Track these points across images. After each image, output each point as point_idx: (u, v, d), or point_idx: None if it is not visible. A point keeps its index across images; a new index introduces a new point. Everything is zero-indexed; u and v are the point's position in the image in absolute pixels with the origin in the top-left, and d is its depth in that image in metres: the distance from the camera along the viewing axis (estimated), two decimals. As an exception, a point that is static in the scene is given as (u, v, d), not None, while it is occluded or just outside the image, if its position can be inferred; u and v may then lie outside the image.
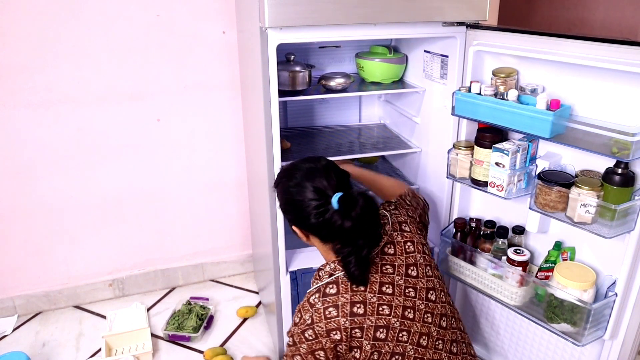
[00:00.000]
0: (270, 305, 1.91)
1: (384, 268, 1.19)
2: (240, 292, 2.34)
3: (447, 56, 1.63)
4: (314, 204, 1.15)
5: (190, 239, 2.33)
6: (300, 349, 1.15)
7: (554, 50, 1.29)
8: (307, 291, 1.22)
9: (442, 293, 1.26)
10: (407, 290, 1.18)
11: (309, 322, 1.14)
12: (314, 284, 1.22)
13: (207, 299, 2.24)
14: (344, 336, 1.12)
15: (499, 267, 1.50)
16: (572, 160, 1.39)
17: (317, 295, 1.17)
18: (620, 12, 2.10)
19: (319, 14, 1.37)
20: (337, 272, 1.18)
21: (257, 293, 2.32)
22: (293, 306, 1.74)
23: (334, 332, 1.12)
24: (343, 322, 1.12)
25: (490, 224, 1.59)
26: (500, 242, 1.54)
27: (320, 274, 1.22)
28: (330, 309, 1.13)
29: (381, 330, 1.14)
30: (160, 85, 2.04)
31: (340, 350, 1.14)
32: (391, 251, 1.22)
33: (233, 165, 2.26)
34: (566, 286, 1.33)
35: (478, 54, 1.51)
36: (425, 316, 1.19)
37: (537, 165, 1.41)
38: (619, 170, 1.22)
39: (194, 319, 2.04)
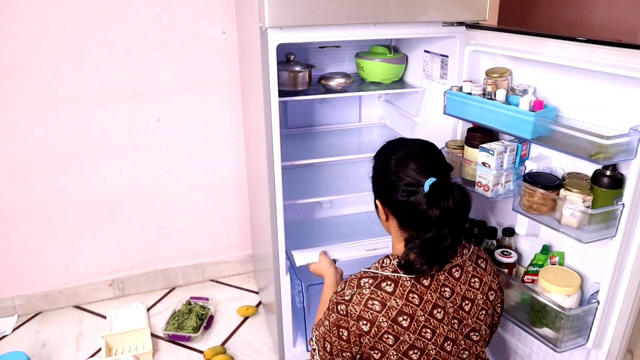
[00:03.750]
0: (270, 305, 1.91)
1: (442, 289, 1.12)
2: (240, 292, 2.34)
3: (447, 56, 1.64)
4: (407, 180, 1.10)
5: (190, 239, 2.33)
6: (330, 317, 1.13)
7: (544, 50, 1.28)
8: (364, 268, 1.16)
9: (483, 341, 1.20)
10: (453, 321, 1.13)
11: (347, 298, 1.10)
12: (374, 267, 1.15)
13: (207, 299, 2.24)
14: (373, 332, 1.07)
15: None
16: (561, 163, 1.37)
17: (370, 281, 1.10)
18: (621, 13, 2.10)
19: (319, 14, 1.37)
20: (402, 272, 1.12)
21: (257, 293, 2.32)
22: (293, 306, 1.74)
23: (365, 323, 1.08)
24: (381, 321, 1.07)
25: (481, 224, 1.59)
26: (489, 243, 1.53)
27: (385, 262, 1.15)
28: (376, 302, 1.07)
29: (415, 351, 1.08)
30: (160, 85, 2.04)
31: (363, 342, 1.10)
32: (457, 275, 1.15)
33: (233, 165, 2.26)
34: (550, 291, 1.30)
35: (474, 53, 1.51)
36: (462, 353, 1.15)
37: (525, 167, 1.40)
38: (608, 173, 1.19)
39: (194, 319, 2.04)
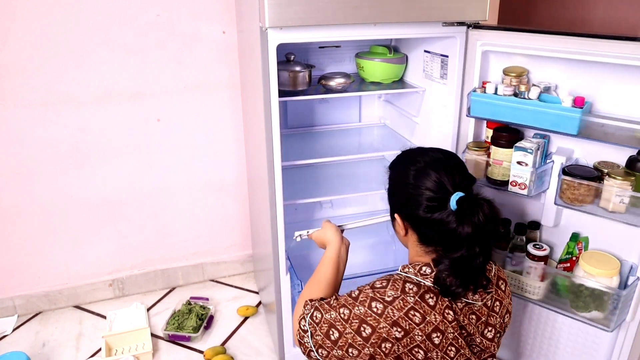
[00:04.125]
0: (270, 305, 1.91)
1: (471, 316, 1.06)
2: (240, 292, 2.34)
3: (447, 56, 1.64)
4: (429, 195, 1.02)
5: (190, 239, 2.33)
6: (355, 308, 1.03)
7: (563, 47, 1.33)
8: (401, 271, 1.08)
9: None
10: (472, 345, 1.07)
11: (389, 299, 1.01)
12: (413, 273, 1.07)
13: (207, 299, 2.24)
14: (404, 342, 1.00)
15: (518, 263, 1.52)
16: (583, 153, 1.45)
17: (415, 289, 1.02)
18: (620, 12, 2.10)
19: (319, 14, 1.37)
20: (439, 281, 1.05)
21: (257, 293, 2.32)
22: (293, 306, 1.74)
23: (399, 331, 1.00)
24: (416, 334, 1.00)
25: (505, 222, 1.61)
26: (518, 239, 1.55)
27: (423, 269, 1.07)
28: (417, 314, 1.00)
29: None
30: (160, 85, 2.04)
31: (384, 346, 1.01)
32: (487, 302, 1.11)
33: (233, 165, 2.26)
34: (594, 275, 1.36)
35: (484, 53, 1.52)
36: None
37: (553, 162, 1.43)
38: None
39: (194, 319, 2.04)
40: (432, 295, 1.02)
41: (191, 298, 2.23)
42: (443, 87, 1.68)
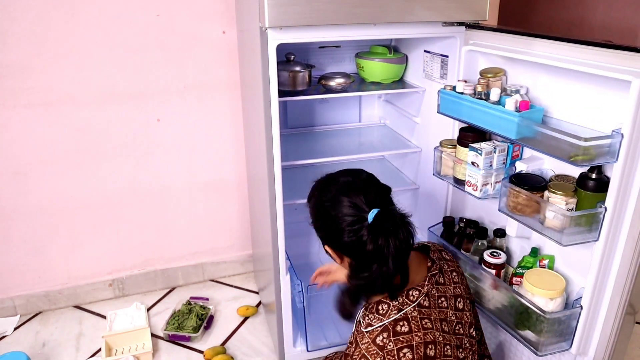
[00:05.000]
0: (270, 305, 1.91)
1: (439, 301, 1.10)
2: (240, 292, 2.34)
3: (447, 56, 1.64)
4: (349, 220, 1.04)
5: (190, 239, 2.33)
6: None
7: (535, 51, 1.28)
8: (365, 329, 1.07)
9: (481, 335, 1.21)
10: (457, 327, 1.11)
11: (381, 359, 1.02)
12: (374, 320, 1.07)
13: (207, 299, 2.24)
14: None
15: (475, 268, 1.49)
16: (552, 164, 1.36)
17: (385, 334, 1.03)
18: (620, 12, 2.10)
19: (319, 14, 1.37)
20: (405, 306, 1.06)
21: (257, 293, 2.32)
22: (293, 306, 1.74)
23: None
24: None
25: (473, 224, 1.59)
26: (479, 243, 1.53)
27: (378, 308, 1.08)
28: (405, 350, 1.02)
29: None
30: (160, 85, 2.04)
31: None
32: (442, 280, 1.14)
33: (233, 165, 2.26)
34: (533, 293, 1.29)
35: (471, 53, 1.51)
36: (471, 355, 1.14)
37: (515, 168, 1.40)
38: (593, 175, 1.17)
39: (194, 319, 2.04)
40: (401, 323, 1.04)
41: (191, 298, 2.23)
42: (442, 87, 1.68)
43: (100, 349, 1.94)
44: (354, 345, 1.07)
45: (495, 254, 1.46)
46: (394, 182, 2.02)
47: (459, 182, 1.51)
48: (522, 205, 1.29)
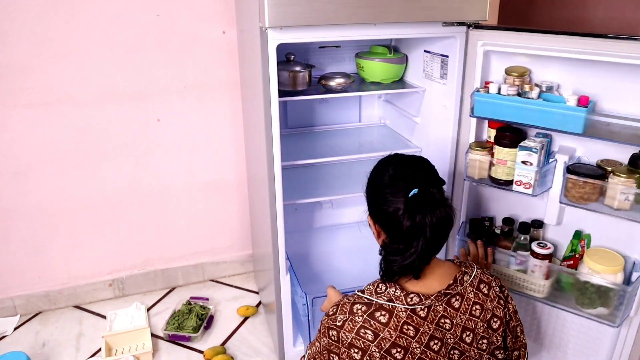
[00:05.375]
0: (270, 305, 1.91)
1: (441, 321, 1.08)
2: (240, 292, 2.34)
3: (447, 56, 1.63)
4: (391, 190, 1.08)
5: (190, 239, 2.33)
6: (322, 340, 1.10)
7: (566, 47, 1.34)
8: (358, 291, 1.12)
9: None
10: (453, 352, 1.09)
11: (339, 324, 1.07)
12: (368, 292, 1.11)
13: (207, 299, 2.24)
14: None
15: (523, 262, 1.53)
16: (585, 152, 1.46)
17: (364, 308, 1.06)
18: (621, 12, 2.10)
19: (319, 14, 1.36)
20: (397, 301, 1.06)
21: (257, 293, 2.32)
22: (293, 306, 1.74)
23: (357, 351, 1.04)
24: (373, 351, 1.04)
25: (508, 221, 1.61)
26: (522, 238, 1.56)
27: (379, 286, 1.11)
28: (368, 332, 1.04)
29: None
30: (160, 85, 2.04)
31: None
32: (456, 304, 1.10)
33: (233, 165, 2.26)
34: (599, 272, 1.38)
35: (486, 53, 1.52)
36: None
37: (556, 160, 1.44)
38: None
39: (194, 319, 2.04)
40: (383, 312, 1.06)
41: (191, 298, 2.23)
42: (443, 87, 1.68)
43: (100, 349, 1.94)
44: (344, 296, 1.13)
45: (542, 244, 1.50)
46: (394, 182, 2.01)
47: (498, 183, 1.52)
48: (589, 194, 1.37)
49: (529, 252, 1.52)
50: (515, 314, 1.20)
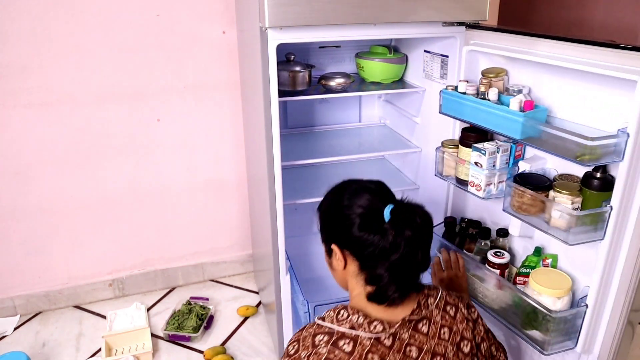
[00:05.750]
0: (270, 305, 1.91)
1: (407, 349, 1.01)
2: (240, 292, 2.34)
3: (447, 56, 1.64)
4: (361, 212, 1.02)
5: (190, 239, 2.33)
6: None
7: (538, 51, 1.28)
8: (318, 320, 1.06)
9: None
10: None
11: (305, 359, 0.99)
12: (329, 320, 1.04)
13: (207, 299, 2.24)
14: None
15: (478, 268, 1.49)
16: (555, 164, 1.36)
17: (326, 338, 1.00)
18: (620, 12, 2.10)
19: (319, 14, 1.37)
20: (360, 329, 1.00)
21: (257, 293, 2.32)
22: (293, 306, 1.74)
23: None
24: None
25: (475, 224, 1.58)
26: (482, 244, 1.53)
27: (341, 313, 1.04)
28: None
29: None
30: (160, 85, 2.04)
31: None
32: (424, 329, 1.05)
33: (233, 165, 2.26)
34: (540, 292, 1.28)
35: (472, 54, 1.51)
36: None
37: (518, 168, 1.39)
38: (598, 175, 1.17)
39: (194, 319, 2.04)
40: (347, 341, 1.00)
41: (191, 298, 2.23)
42: (443, 87, 1.68)
43: (100, 349, 1.94)
44: (304, 326, 1.07)
45: (498, 253, 1.46)
46: (394, 182, 2.02)
47: (462, 182, 1.50)
48: (527, 205, 1.29)
49: (483, 259, 1.49)
50: (488, 334, 1.15)
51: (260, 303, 2.24)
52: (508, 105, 1.29)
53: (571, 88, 1.29)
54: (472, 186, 1.44)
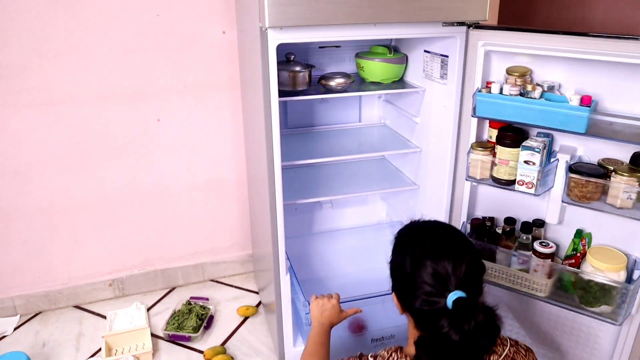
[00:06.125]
0: (270, 305, 1.91)
1: None
2: (240, 292, 2.34)
3: (447, 56, 1.64)
4: (427, 289, 0.94)
5: (190, 239, 2.33)
6: None
7: (567, 47, 1.34)
8: (371, 357, 1.04)
9: None
10: None
11: None
12: (381, 358, 1.03)
13: (207, 299, 2.24)
14: None
15: (525, 262, 1.54)
16: (586, 151, 1.47)
17: None
18: (620, 12, 2.10)
19: (319, 14, 1.37)
20: None
21: (257, 293, 2.32)
22: (293, 306, 1.74)
23: None
24: None
25: (510, 221, 1.62)
26: (524, 238, 1.56)
27: (394, 357, 1.01)
28: None
29: None
30: (160, 85, 2.04)
31: None
32: None
33: (233, 165, 2.26)
34: (602, 270, 1.39)
35: (487, 53, 1.52)
36: None
37: (558, 160, 1.45)
38: None
39: (194, 319, 2.04)
40: None
41: (191, 298, 2.23)
42: (443, 87, 1.68)
43: (100, 349, 1.94)
44: (349, 357, 1.07)
45: (544, 243, 1.52)
46: (394, 182, 2.02)
47: (500, 182, 1.54)
48: (592, 193, 1.39)
49: (531, 252, 1.53)
50: None
51: (260, 303, 2.24)
52: (552, 101, 1.37)
53: (599, 80, 1.39)
54: (522, 184, 1.47)
